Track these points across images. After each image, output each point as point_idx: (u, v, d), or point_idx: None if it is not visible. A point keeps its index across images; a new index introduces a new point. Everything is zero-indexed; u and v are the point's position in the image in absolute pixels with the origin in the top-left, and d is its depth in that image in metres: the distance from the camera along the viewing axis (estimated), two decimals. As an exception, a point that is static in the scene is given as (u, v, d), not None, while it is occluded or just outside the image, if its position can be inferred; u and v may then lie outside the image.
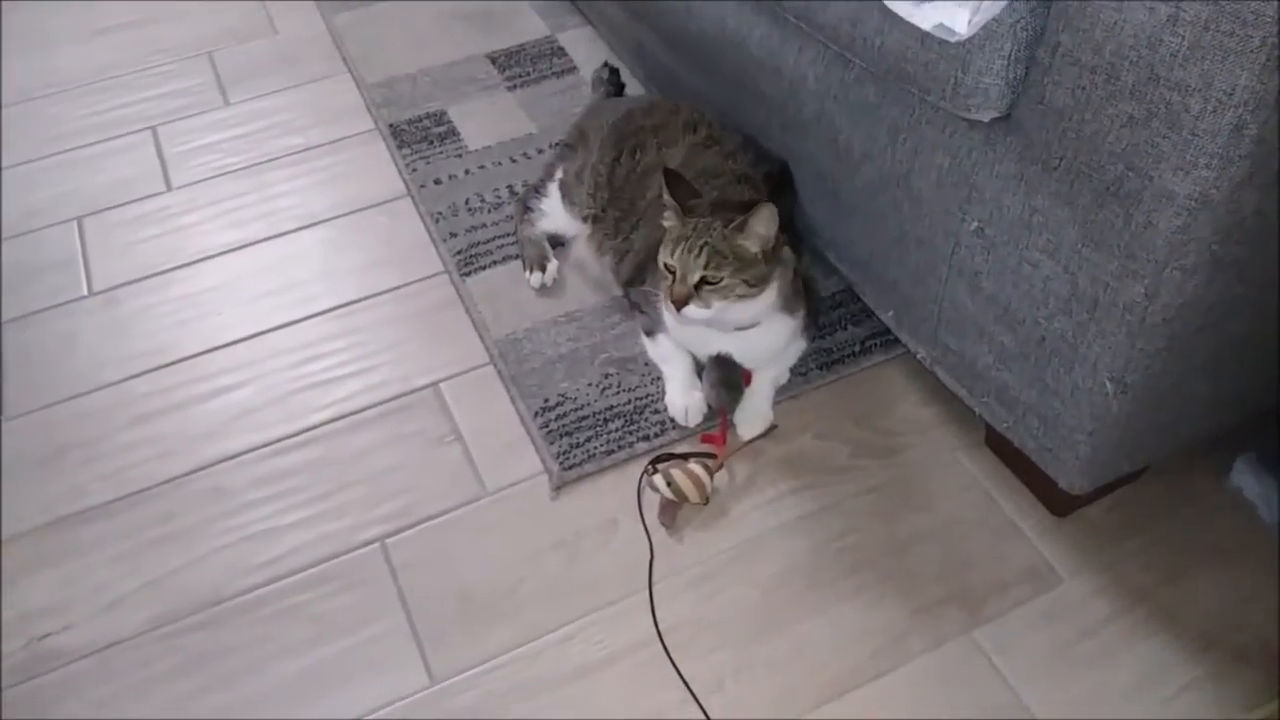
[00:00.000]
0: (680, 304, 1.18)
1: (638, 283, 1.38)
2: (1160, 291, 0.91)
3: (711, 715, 1.07)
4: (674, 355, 1.35)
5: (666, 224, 1.22)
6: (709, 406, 1.32)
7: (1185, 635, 1.12)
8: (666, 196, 1.21)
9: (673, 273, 1.19)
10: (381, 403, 1.37)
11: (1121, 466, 1.14)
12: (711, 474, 1.24)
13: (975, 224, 1.09)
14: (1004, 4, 0.94)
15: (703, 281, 1.17)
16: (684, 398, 1.32)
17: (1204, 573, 1.17)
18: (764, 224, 1.16)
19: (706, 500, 1.23)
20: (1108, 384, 1.00)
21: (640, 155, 1.42)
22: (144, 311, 1.51)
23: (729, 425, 1.30)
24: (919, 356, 1.27)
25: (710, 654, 1.12)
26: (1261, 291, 0.97)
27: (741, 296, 1.19)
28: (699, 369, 1.34)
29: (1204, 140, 0.82)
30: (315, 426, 1.35)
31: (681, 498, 1.22)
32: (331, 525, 1.24)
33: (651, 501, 1.24)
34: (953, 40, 0.96)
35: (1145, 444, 1.11)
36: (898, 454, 1.30)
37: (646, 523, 1.23)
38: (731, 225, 1.17)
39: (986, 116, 1.01)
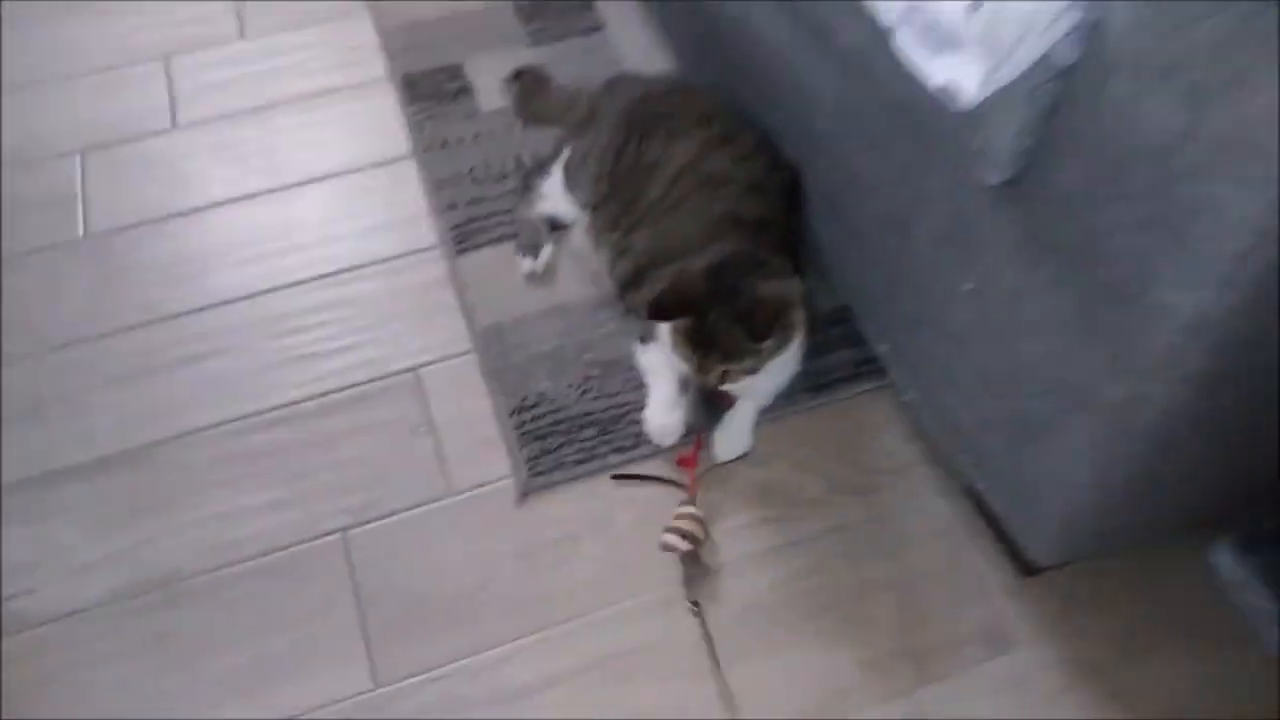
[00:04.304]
0: (713, 390, 1.23)
1: (634, 287, 1.34)
2: (1147, 398, 0.86)
3: (645, 752, 1.08)
4: (663, 370, 1.30)
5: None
6: (685, 428, 1.29)
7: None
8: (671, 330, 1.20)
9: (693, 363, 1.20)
10: (358, 385, 1.36)
11: (1091, 549, 1.10)
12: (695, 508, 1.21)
13: (970, 285, 1.03)
14: (1019, 73, 0.87)
15: (725, 373, 1.19)
16: (664, 416, 1.28)
17: (1167, 653, 1.14)
18: (770, 321, 1.16)
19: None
20: (1085, 472, 0.96)
21: (646, 144, 1.36)
22: (136, 261, 1.49)
23: (702, 445, 1.28)
24: (905, 398, 1.23)
25: (655, 686, 1.13)
26: (1261, 402, 0.92)
27: (772, 357, 1.20)
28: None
29: (1208, 262, 0.76)
30: (289, 404, 1.34)
31: (696, 542, 1.19)
32: (296, 512, 1.24)
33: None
34: (953, 109, 0.89)
35: (1117, 533, 1.07)
36: (874, 492, 1.27)
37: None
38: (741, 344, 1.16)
39: (993, 179, 0.94)
